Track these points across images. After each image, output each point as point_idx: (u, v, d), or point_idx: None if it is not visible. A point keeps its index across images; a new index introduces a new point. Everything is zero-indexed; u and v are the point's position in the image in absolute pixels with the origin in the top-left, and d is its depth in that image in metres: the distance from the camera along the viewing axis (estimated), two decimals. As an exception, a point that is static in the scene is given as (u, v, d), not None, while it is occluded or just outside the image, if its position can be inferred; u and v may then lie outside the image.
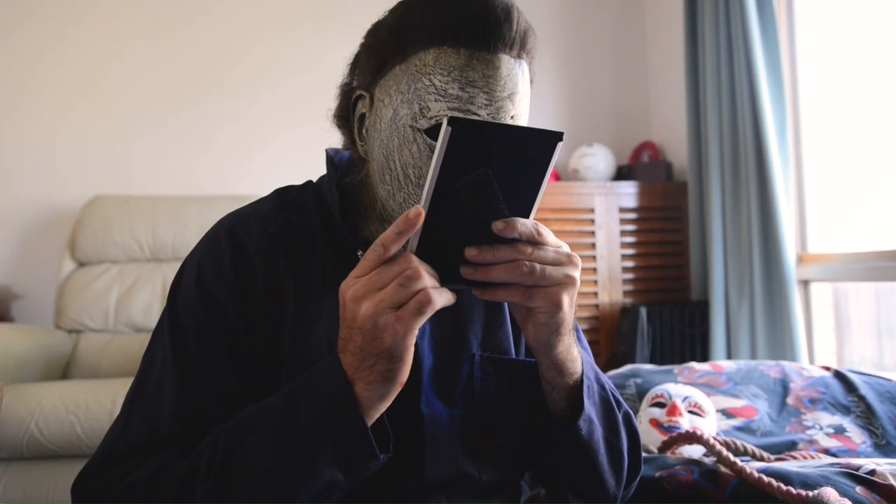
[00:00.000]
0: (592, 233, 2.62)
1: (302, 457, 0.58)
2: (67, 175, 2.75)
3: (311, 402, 0.58)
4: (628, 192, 2.68)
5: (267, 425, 0.60)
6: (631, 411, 0.79)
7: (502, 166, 0.55)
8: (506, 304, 0.79)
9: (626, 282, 2.64)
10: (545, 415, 0.71)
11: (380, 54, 0.69)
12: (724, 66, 2.36)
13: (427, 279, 0.55)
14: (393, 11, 0.69)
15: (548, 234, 0.59)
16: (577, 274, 0.60)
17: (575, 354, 0.67)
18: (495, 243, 0.57)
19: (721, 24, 2.37)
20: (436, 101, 0.64)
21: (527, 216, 0.58)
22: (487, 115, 0.65)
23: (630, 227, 2.67)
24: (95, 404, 1.80)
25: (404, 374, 0.57)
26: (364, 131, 0.72)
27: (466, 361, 0.74)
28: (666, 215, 2.73)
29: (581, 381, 0.68)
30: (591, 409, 0.69)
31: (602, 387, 0.74)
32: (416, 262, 0.55)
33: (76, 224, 2.53)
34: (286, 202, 0.76)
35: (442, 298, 0.55)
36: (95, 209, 2.54)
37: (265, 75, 2.91)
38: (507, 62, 0.65)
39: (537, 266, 0.57)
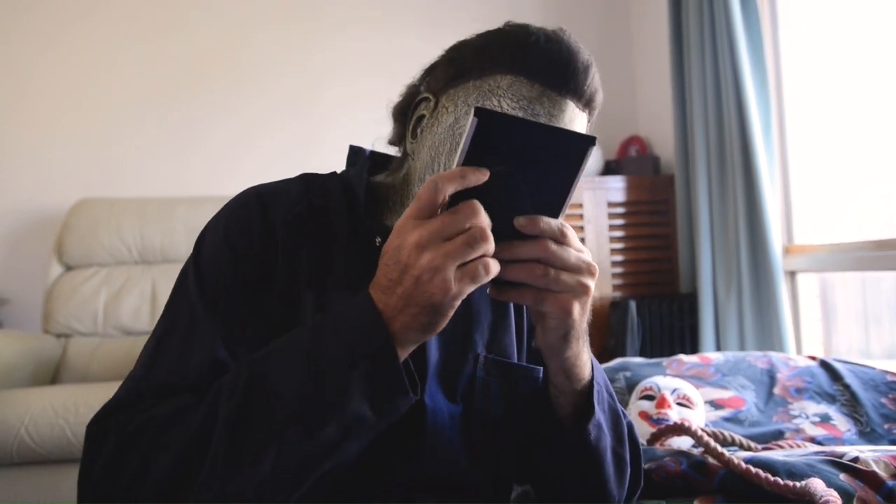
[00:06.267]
0: (581, 227, 2.63)
1: (330, 384, 0.56)
2: (54, 178, 2.73)
3: (344, 332, 0.57)
4: (616, 187, 2.69)
5: (295, 352, 0.58)
6: (632, 422, 0.78)
7: (530, 165, 0.54)
8: (512, 309, 0.80)
9: (615, 276, 2.66)
10: (551, 419, 0.70)
11: (459, 67, 0.72)
12: (709, 59, 2.37)
13: (491, 243, 0.53)
14: (482, 35, 0.73)
15: (573, 238, 0.58)
16: (591, 283, 0.60)
17: (584, 360, 0.67)
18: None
19: (705, 18, 2.38)
20: None
21: (554, 218, 0.57)
22: None
23: (618, 222, 2.68)
24: (85, 408, 1.80)
25: (441, 328, 0.56)
26: (419, 131, 0.74)
27: (470, 361, 0.74)
28: (654, 209, 2.74)
29: (590, 386, 0.68)
30: (600, 414, 0.69)
31: (611, 395, 0.74)
32: (484, 218, 0.53)
33: (63, 227, 2.51)
34: (313, 186, 0.78)
35: (496, 268, 0.54)
36: (82, 212, 2.52)
37: (253, 77, 2.90)
38: (572, 109, 0.68)
39: (552, 270, 0.57)
